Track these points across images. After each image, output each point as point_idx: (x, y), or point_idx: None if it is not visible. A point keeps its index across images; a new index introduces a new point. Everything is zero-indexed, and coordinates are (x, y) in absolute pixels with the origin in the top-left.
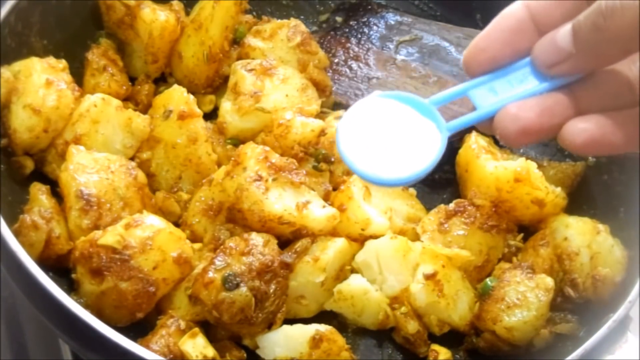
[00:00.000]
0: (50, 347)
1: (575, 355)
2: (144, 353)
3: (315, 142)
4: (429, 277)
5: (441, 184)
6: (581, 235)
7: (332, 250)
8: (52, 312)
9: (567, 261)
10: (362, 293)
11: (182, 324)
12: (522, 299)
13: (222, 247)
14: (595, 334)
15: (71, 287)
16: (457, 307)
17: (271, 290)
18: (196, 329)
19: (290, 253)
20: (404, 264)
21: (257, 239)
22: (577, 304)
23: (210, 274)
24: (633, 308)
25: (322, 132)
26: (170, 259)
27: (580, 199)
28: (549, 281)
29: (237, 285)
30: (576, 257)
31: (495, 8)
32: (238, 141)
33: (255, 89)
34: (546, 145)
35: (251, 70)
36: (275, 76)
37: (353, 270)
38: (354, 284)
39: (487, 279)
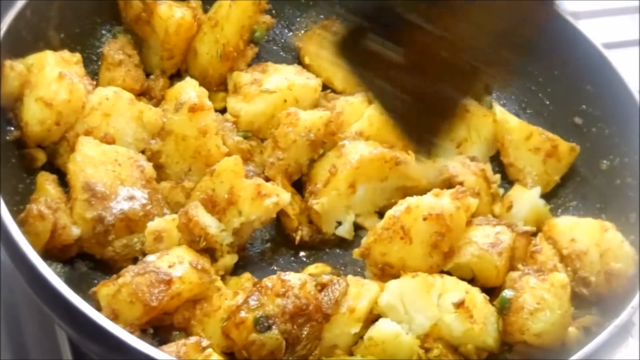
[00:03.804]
0: (50, 347)
1: (577, 356)
2: (146, 349)
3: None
4: (459, 305)
5: None
6: (588, 234)
7: (367, 299)
8: (53, 301)
9: (577, 261)
10: (393, 337)
11: (205, 343)
12: (541, 302)
13: (257, 285)
14: (596, 339)
15: (74, 277)
16: (489, 330)
17: (303, 334)
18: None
19: (327, 299)
20: (428, 300)
21: (294, 280)
22: (590, 301)
23: (243, 314)
24: (635, 313)
25: (330, 120)
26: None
27: (592, 203)
28: (563, 277)
29: (269, 328)
30: (585, 256)
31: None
32: (249, 134)
33: (254, 77)
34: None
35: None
36: (270, 68)
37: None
38: (385, 328)
39: (503, 292)
